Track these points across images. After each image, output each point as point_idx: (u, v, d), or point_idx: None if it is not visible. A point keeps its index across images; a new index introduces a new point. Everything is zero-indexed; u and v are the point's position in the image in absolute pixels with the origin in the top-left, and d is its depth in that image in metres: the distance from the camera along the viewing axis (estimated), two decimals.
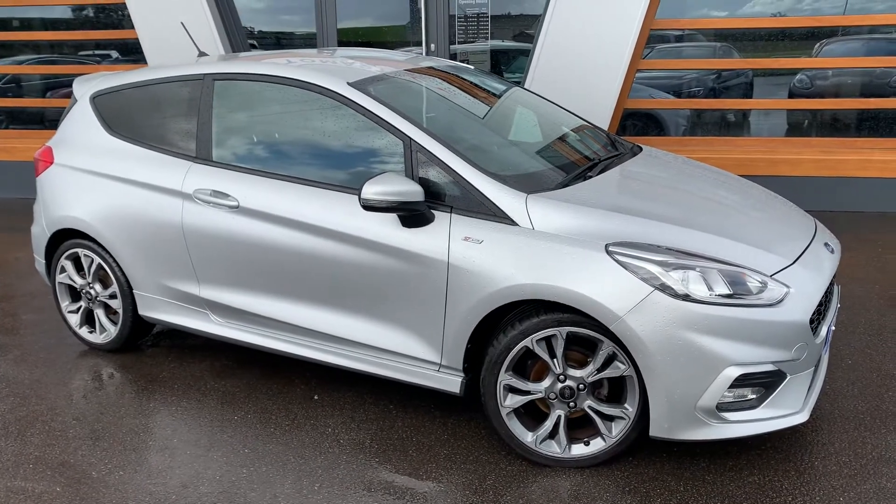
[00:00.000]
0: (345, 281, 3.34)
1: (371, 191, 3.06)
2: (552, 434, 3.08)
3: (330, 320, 3.46)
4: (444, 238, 3.09)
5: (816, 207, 6.12)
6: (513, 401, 3.07)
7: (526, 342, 2.97)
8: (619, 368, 2.93)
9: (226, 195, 3.60)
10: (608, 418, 3.04)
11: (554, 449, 3.08)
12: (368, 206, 3.08)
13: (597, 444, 3.06)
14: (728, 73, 8.26)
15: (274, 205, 3.46)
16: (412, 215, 3.13)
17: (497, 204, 3.06)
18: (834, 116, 7.51)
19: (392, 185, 3.06)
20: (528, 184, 3.16)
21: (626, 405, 2.99)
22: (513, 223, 3.03)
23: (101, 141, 4.11)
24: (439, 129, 3.34)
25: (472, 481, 3.02)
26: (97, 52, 9.64)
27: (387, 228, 3.20)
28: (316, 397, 3.74)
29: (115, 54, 9.43)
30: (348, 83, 3.47)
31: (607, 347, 2.91)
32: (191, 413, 3.62)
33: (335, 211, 3.33)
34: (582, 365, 3.01)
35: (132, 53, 8.96)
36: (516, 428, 3.09)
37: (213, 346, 4.30)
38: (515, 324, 2.99)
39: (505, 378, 3.04)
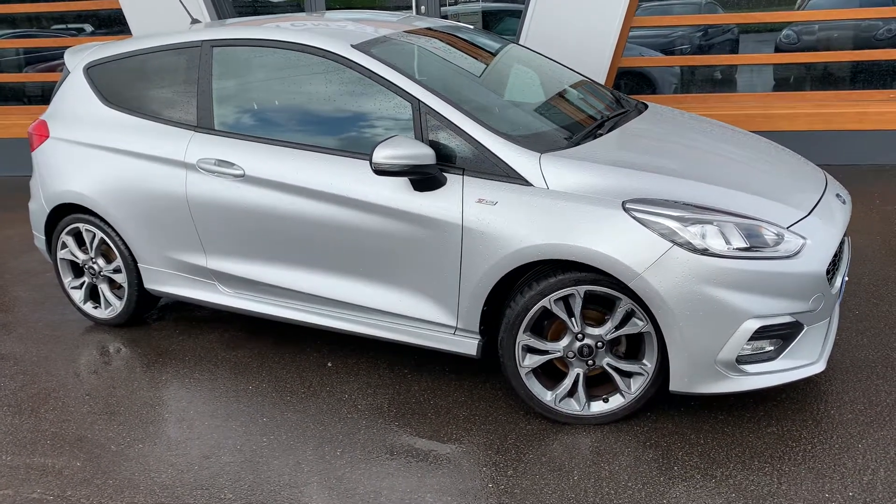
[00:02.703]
0: (357, 247, 3.31)
1: (382, 155, 3.02)
2: (571, 392, 3.10)
3: (343, 287, 3.44)
4: (458, 201, 3.06)
5: (814, 161, 6.13)
6: (531, 361, 3.07)
7: (544, 302, 2.97)
8: (638, 325, 2.94)
9: (231, 164, 3.55)
10: (626, 375, 3.06)
11: (573, 407, 3.10)
12: (380, 171, 3.05)
13: (616, 401, 3.08)
14: (714, 30, 8.22)
15: (281, 172, 3.42)
16: (424, 179, 3.10)
17: (510, 164, 3.03)
18: (826, 70, 7.50)
19: (403, 149, 3.03)
20: (539, 143, 3.13)
21: (644, 361, 3.00)
22: (527, 183, 3.00)
23: (98, 112, 4.03)
24: (445, 90, 3.29)
25: (494, 441, 3.04)
26: (70, 25, 9.46)
27: (398, 193, 3.17)
28: (329, 364, 3.73)
29: (88, 28, 9.25)
30: (352, 45, 3.40)
31: (625, 305, 2.91)
32: (204, 384, 3.60)
33: (344, 177, 3.29)
34: (599, 323, 3.02)
35: (111, 25, 8.79)
36: (535, 387, 3.10)
37: (221, 318, 4.28)
38: (532, 284, 2.98)
39: (523, 339, 3.04)
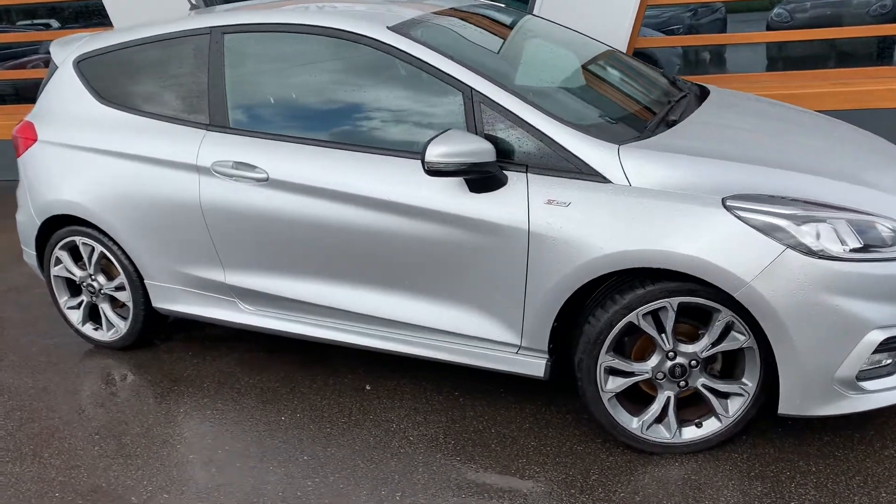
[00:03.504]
0: (403, 258, 2.91)
1: (436, 152, 2.61)
2: (660, 418, 2.72)
3: (387, 303, 3.03)
4: (522, 203, 2.66)
5: None
6: (615, 384, 2.69)
7: (630, 317, 2.58)
8: (739, 340, 2.57)
9: (252, 167, 3.11)
10: (723, 396, 2.69)
11: (662, 434, 2.72)
12: (433, 171, 2.64)
13: (711, 426, 2.71)
14: (703, 9, 7.99)
15: (311, 175, 3.00)
16: (482, 178, 2.69)
17: (584, 159, 2.64)
18: (844, 47, 7.18)
19: (459, 144, 2.62)
20: (610, 134, 2.74)
21: (744, 380, 2.63)
22: (604, 180, 2.61)
23: (92, 111, 3.57)
24: (495, 76, 2.88)
25: (574, 477, 2.66)
26: (36, 21, 8.98)
27: (450, 195, 2.76)
28: (368, 388, 3.33)
29: (55, 23, 8.76)
30: (388, 28, 2.98)
31: (725, 317, 2.54)
32: (229, 416, 3.18)
33: (386, 178, 2.88)
34: (692, 338, 2.64)
35: (89, 17, 8.27)
36: (620, 414, 2.72)
37: (236, 336, 3.85)
38: (616, 297, 2.60)
39: (606, 359, 2.65)
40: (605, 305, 2.61)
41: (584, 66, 3.52)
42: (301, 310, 3.25)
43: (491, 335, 2.88)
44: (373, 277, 3.02)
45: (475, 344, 2.93)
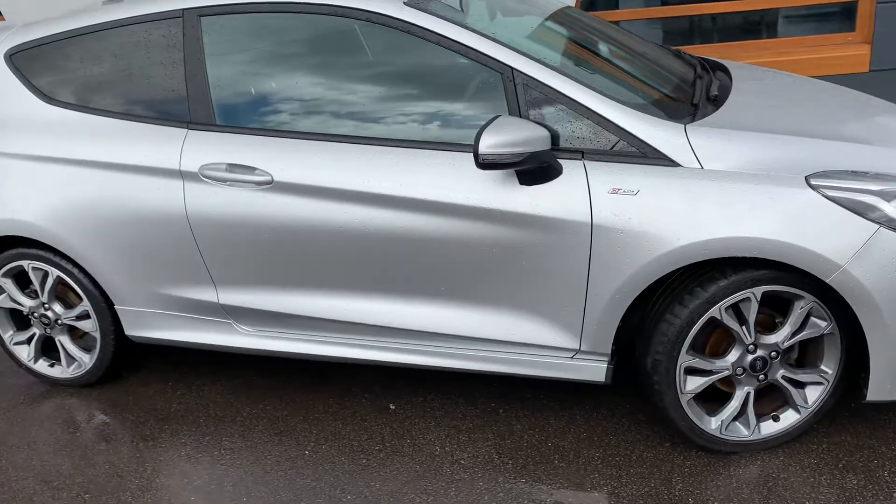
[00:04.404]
0: (440, 263, 2.59)
1: (490, 143, 2.31)
2: (737, 415, 2.54)
3: (419, 313, 2.71)
4: (583, 193, 2.40)
5: None
6: (694, 385, 2.49)
7: (713, 312, 2.38)
8: (820, 326, 2.42)
9: (251, 169, 2.70)
10: (800, 385, 2.53)
11: (741, 432, 2.55)
12: (488, 164, 2.34)
13: (789, 418, 2.56)
14: None
15: (325, 175, 2.62)
16: (537, 169, 2.41)
17: (648, 141, 2.40)
18: (779, 16, 7.28)
19: (514, 132, 2.33)
20: (666, 113, 2.51)
21: (823, 367, 2.49)
22: (672, 163, 2.38)
23: (35, 114, 3.04)
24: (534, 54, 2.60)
25: (658, 489, 2.44)
26: None
27: (497, 190, 2.47)
28: (393, 407, 3.00)
29: None
30: (405, 3, 2.63)
31: (807, 303, 2.38)
32: (243, 456, 2.78)
33: (417, 175, 2.55)
34: (768, 328, 2.47)
35: None
36: (699, 416, 2.52)
37: (218, 360, 3.41)
38: (696, 290, 2.38)
39: (686, 359, 2.44)
40: (684, 300, 2.39)
41: (597, 40, 3.27)
42: (314, 328, 2.88)
43: (543, 340, 2.61)
44: (404, 286, 2.69)
45: (524, 351, 2.66)
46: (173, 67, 2.85)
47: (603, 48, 3.10)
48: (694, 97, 2.73)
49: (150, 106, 2.89)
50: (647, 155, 2.40)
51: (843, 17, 6.89)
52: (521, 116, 2.47)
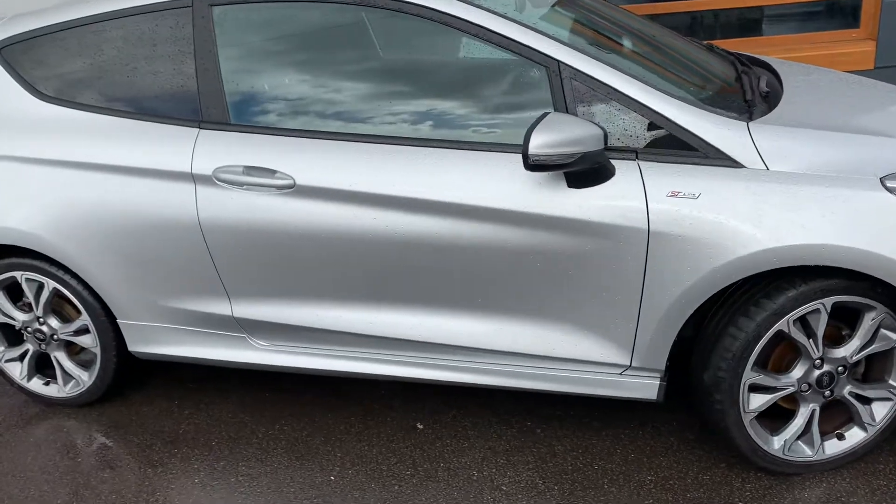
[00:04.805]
0: (478, 273, 2.39)
1: (541, 142, 2.11)
2: (801, 434, 2.37)
3: (455, 327, 2.51)
4: (638, 196, 2.21)
5: None
6: (758, 403, 2.31)
7: (781, 324, 2.20)
8: (891, 339, 2.25)
9: (270, 171, 2.49)
10: (866, 402, 2.37)
11: (804, 453, 2.38)
12: (538, 165, 2.14)
13: (854, 436, 2.39)
14: None
15: (354, 178, 2.41)
16: (588, 170, 2.22)
17: (709, 140, 2.22)
18: (784, 12, 7.15)
19: (567, 131, 2.13)
20: (726, 110, 2.33)
21: (891, 382, 2.33)
22: (735, 164, 2.20)
23: (30, 112, 2.80)
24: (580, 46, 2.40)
25: None
26: None
27: (542, 193, 2.27)
28: (420, 426, 2.79)
29: None
30: None
31: (879, 314, 2.21)
32: (263, 483, 2.56)
33: (454, 177, 2.34)
34: (835, 342, 2.30)
35: None
36: (761, 436, 2.34)
37: (224, 375, 3.18)
38: (762, 301, 2.21)
39: (751, 376, 2.26)
40: (749, 312, 2.21)
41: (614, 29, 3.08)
42: (337, 342, 2.67)
43: (590, 356, 2.43)
44: (438, 298, 2.49)
45: (568, 367, 2.47)
46: (182, 62, 2.62)
47: (641, 42, 2.92)
48: (745, 93, 2.56)
49: (157, 103, 2.66)
50: (708, 155, 2.22)
51: (848, 14, 6.78)
52: (568, 112, 2.27)
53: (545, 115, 2.17)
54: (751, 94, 2.53)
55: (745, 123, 2.24)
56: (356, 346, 2.66)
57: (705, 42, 3.42)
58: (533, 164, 2.14)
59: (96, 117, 2.70)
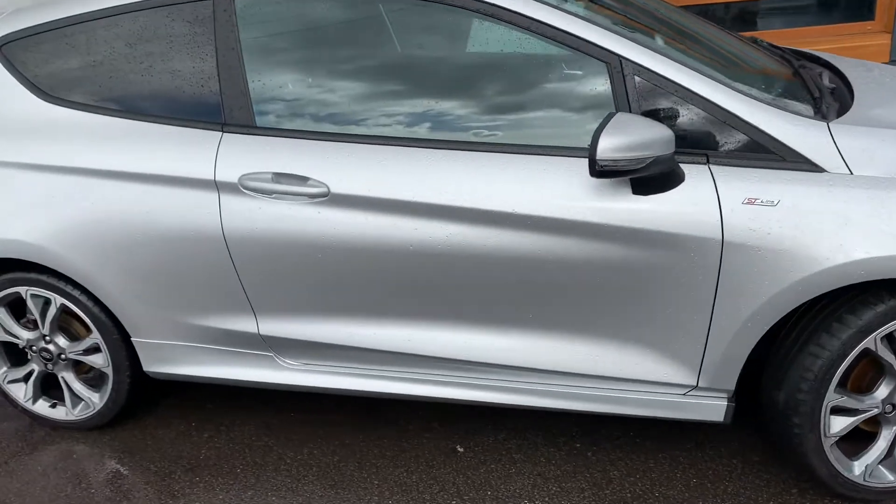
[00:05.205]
0: (531, 287, 2.21)
1: (611, 145, 1.93)
2: (883, 458, 2.20)
3: (504, 345, 2.33)
4: (710, 204, 2.03)
5: None
6: (840, 426, 2.14)
7: (867, 342, 2.03)
8: None
9: (303, 179, 2.28)
10: None
11: (886, 478, 2.21)
12: (607, 171, 1.95)
13: None
14: None
15: (394, 186, 2.21)
16: (657, 176, 2.03)
17: (786, 142, 2.04)
18: (790, 5, 7.00)
19: (639, 133, 1.95)
20: (798, 110, 2.16)
21: None
22: (816, 168, 2.02)
23: (34, 114, 2.58)
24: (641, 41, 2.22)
25: None
26: None
27: (604, 201, 2.09)
28: (461, 449, 2.60)
29: None
30: None
31: None
32: None
33: (507, 184, 2.15)
34: None
35: None
36: (842, 461, 2.17)
37: (243, 394, 2.98)
38: (846, 318, 2.03)
39: (833, 398, 2.09)
40: (832, 329, 2.04)
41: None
42: (373, 361, 2.47)
43: (652, 376, 2.25)
44: (486, 313, 2.30)
45: (626, 388, 2.29)
46: (202, 59, 2.41)
47: (687, 35, 2.73)
48: (811, 91, 2.38)
49: (175, 105, 2.45)
50: (785, 158, 2.04)
51: (863, 6, 6.63)
52: (631, 112, 2.09)
53: (611, 115, 1.99)
54: (817, 92, 2.35)
55: (825, 123, 2.06)
56: (394, 364, 2.47)
57: (747, 35, 3.23)
58: (601, 170, 1.95)
59: (107, 120, 2.49)
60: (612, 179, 2.08)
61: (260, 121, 2.37)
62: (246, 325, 2.52)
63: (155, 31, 2.45)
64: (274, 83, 2.37)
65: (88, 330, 2.72)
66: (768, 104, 2.07)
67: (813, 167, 2.02)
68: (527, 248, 2.15)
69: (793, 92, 2.32)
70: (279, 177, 2.30)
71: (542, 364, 2.31)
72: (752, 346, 2.12)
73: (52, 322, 2.72)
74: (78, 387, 2.83)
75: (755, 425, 2.55)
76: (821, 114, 2.17)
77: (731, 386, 2.20)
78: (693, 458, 2.46)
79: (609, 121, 1.96)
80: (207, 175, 2.36)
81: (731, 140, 2.06)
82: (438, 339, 2.36)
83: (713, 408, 2.25)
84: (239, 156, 2.35)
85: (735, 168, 2.05)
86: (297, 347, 2.52)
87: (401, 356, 2.41)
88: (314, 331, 2.47)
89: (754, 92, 2.15)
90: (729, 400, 2.24)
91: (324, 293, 2.39)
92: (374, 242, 2.26)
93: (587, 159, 2.08)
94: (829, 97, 2.34)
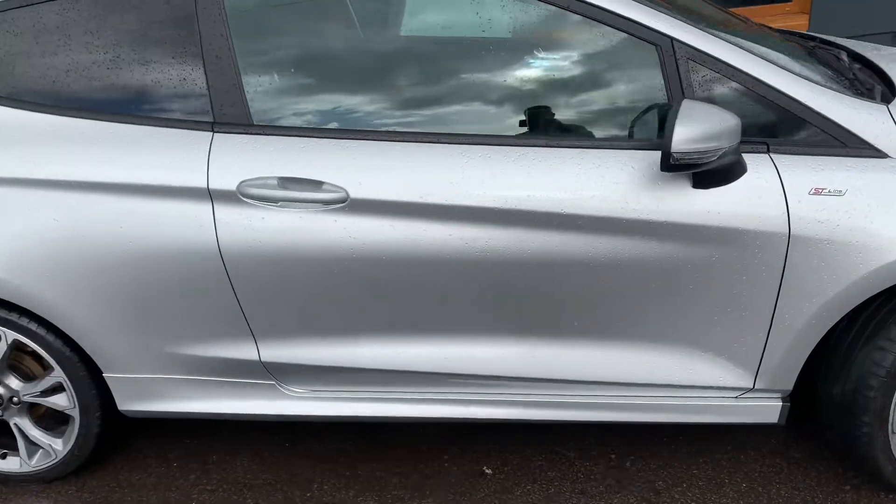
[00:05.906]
0: (575, 292, 2.02)
1: (687, 136, 1.76)
2: None
3: (547, 358, 2.13)
4: (775, 195, 1.90)
5: None
6: None
7: None
8: None
9: (316, 183, 2.00)
10: None
11: None
12: (682, 165, 1.79)
13: None
14: None
15: (422, 188, 1.96)
16: (721, 169, 1.88)
17: (848, 128, 1.93)
18: None
19: (708, 123, 1.79)
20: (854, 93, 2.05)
21: None
22: (879, 154, 1.93)
23: None
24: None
25: None
26: None
27: (661, 197, 1.92)
28: (489, 471, 2.39)
29: None
30: None
31: None
32: None
33: (551, 181, 1.95)
34: None
35: None
36: None
37: (226, 426, 2.65)
38: None
39: None
40: None
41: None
42: (394, 382, 2.22)
43: (706, 380, 2.11)
44: (524, 323, 2.09)
45: (676, 394, 2.15)
46: (184, 47, 2.07)
47: (724, 19, 2.60)
48: (844, 74, 2.28)
49: (153, 102, 2.10)
50: (847, 144, 1.93)
51: None
52: (683, 98, 1.92)
53: (686, 102, 1.81)
54: (851, 74, 2.26)
55: (886, 107, 1.96)
56: (417, 385, 2.22)
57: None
58: (675, 164, 1.77)
59: (69, 122, 2.11)
60: (669, 174, 1.91)
61: (257, 118, 2.06)
62: (244, 351, 2.21)
63: (123, 16, 2.09)
64: (272, 73, 2.07)
65: (46, 368, 2.33)
66: (827, 88, 1.96)
67: (876, 153, 1.92)
68: (570, 250, 1.97)
69: (835, 75, 2.22)
70: (287, 182, 2.01)
71: (589, 376, 2.13)
72: (815, 344, 2.01)
73: (1, 361, 2.31)
74: (36, 434, 2.42)
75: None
76: (878, 97, 2.07)
77: (790, 386, 2.09)
78: (736, 462, 2.35)
79: (680, 111, 1.78)
80: (198, 183, 2.03)
81: (790, 127, 1.94)
82: (476, 354, 2.13)
83: (768, 409, 2.14)
84: (235, 159, 2.03)
85: (796, 156, 1.93)
86: (305, 373, 2.24)
87: (433, 376, 2.17)
88: (327, 354, 2.19)
89: (811, 76, 2.02)
90: (784, 400, 2.13)
91: (339, 311, 2.11)
92: (400, 252, 2.01)
93: (649, 151, 1.91)
94: (874, 80, 2.25)
